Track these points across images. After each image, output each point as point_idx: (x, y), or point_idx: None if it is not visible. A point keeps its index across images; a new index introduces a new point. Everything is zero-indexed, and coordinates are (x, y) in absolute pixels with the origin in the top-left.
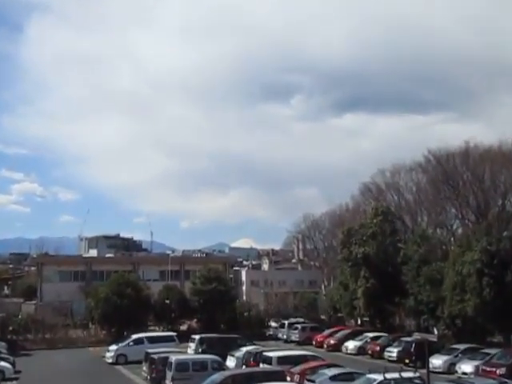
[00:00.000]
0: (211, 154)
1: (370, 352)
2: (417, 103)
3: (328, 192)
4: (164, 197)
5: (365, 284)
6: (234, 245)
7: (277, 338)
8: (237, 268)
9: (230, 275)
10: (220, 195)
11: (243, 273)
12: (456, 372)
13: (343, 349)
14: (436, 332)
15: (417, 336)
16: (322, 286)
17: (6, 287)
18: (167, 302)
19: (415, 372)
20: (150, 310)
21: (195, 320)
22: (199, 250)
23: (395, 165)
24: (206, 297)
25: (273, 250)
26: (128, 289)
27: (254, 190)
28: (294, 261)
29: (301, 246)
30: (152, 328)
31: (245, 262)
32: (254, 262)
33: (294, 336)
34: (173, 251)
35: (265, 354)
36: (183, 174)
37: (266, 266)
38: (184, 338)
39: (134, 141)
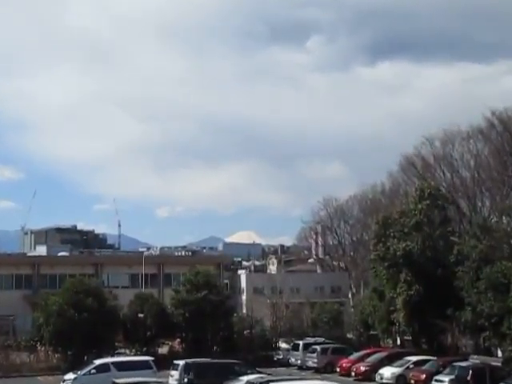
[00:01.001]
0: (199, 117)
1: (412, 381)
2: (475, 47)
3: (357, 168)
4: (135, 176)
5: (406, 291)
6: (229, 239)
7: (288, 364)
8: (234, 270)
9: (224, 280)
10: (210, 174)
11: (243, 277)
12: None
13: (377, 377)
14: (500, 354)
15: (475, 360)
16: (349, 295)
17: None
18: (141, 316)
19: None
20: (118, 327)
21: (178, 340)
22: (183, 247)
23: (447, 131)
24: (193, 309)
25: (282, 246)
26: (89, 299)
27: (256, 167)
28: (311, 261)
29: (320, 241)
30: (121, 351)
31: (245, 263)
32: (257, 263)
33: (312, 361)
34: (148, 248)
35: None
36: (161, 144)
37: (273, 268)
38: (164, 363)
39: (94, 101)
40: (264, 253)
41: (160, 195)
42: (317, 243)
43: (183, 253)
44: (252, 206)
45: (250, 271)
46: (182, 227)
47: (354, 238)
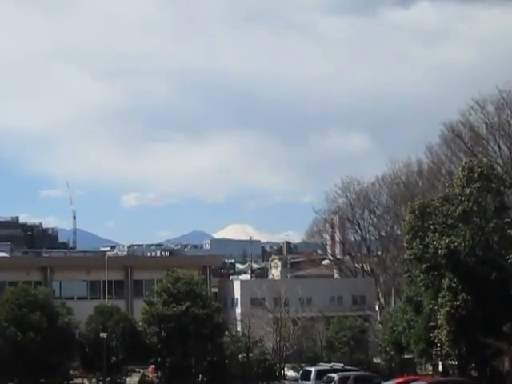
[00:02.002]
0: (178, 75)
1: None
2: None
3: (385, 141)
4: (95, 152)
5: (451, 301)
6: (219, 235)
7: None
8: (226, 275)
9: (213, 289)
10: (194, 149)
11: (237, 284)
12: None
13: None
14: None
15: None
16: (377, 307)
17: None
18: (103, 335)
19: None
20: (73, 351)
21: (153, 367)
22: (158, 246)
23: (503, 92)
24: (172, 326)
25: (288, 244)
26: (35, 314)
27: (253, 141)
28: (325, 263)
29: (338, 237)
30: (78, 382)
31: (239, 266)
32: (255, 266)
33: None
34: (112, 247)
35: None
36: (128, 111)
37: (276, 273)
38: None
39: (36, 51)
40: (264, 253)
41: (127, 177)
42: (333, 240)
43: (158, 253)
44: (248, 192)
45: (245, 276)
46: (156, 219)
47: (383, 233)
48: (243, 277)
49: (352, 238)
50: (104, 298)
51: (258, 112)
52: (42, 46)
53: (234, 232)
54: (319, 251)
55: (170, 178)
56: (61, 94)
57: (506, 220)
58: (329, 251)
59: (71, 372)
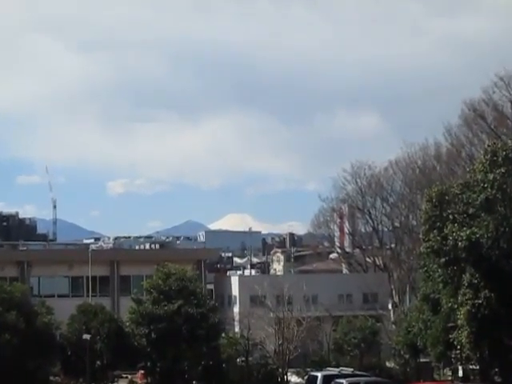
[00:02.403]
0: (167, 47)
1: None
2: None
3: (400, 121)
4: (76, 133)
5: (472, 299)
6: (215, 226)
7: None
8: (222, 271)
9: (208, 285)
10: (186, 131)
11: (235, 280)
12: None
13: None
14: None
15: None
16: (390, 305)
17: None
18: (87, 337)
19: None
20: (54, 354)
21: (142, 372)
22: (148, 238)
23: None
24: (163, 327)
25: (292, 235)
26: (11, 313)
27: (252, 121)
28: (333, 256)
29: (347, 228)
30: None
31: (238, 260)
32: (255, 260)
33: None
34: (96, 239)
35: None
36: (112, 87)
37: (278, 267)
38: None
39: (4, 21)
40: (265, 245)
41: (113, 162)
42: (342, 231)
43: (148, 246)
44: (247, 178)
45: (244, 272)
46: (145, 208)
47: (396, 224)
48: (242, 272)
49: (362, 229)
50: (87, 296)
51: (258, 89)
52: (11, 14)
53: (231, 222)
54: (326, 244)
55: (160, 162)
56: (36, 68)
57: None
58: (337, 244)
59: (51, 378)
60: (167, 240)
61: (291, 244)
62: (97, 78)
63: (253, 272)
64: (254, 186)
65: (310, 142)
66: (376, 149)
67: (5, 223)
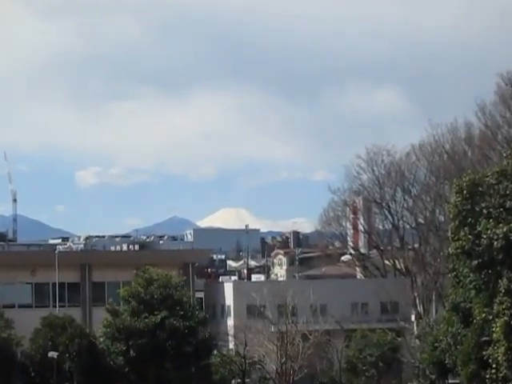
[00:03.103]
0: (149, 10)
1: None
2: None
3: (424, 98)
4: (40, 113)
5: (509, 309)
6: (205, 223)
7: None
8: (214, 276)
9: (197, 294)
10: (172, 109)
11: (228, 287)
12: None
13: None
14: None
15: None
16: (413, 317)
17: None
18: (53, 355)
19: None
20: (14, 375)
21: None
22: (125, 237)
23: None
24: (144, 343)
25: (297, 234)
26: None
27: (249, 97)
28: (344, 259)
29: (362, 225)
30: None
31: (232, 263)
32: (253, 263)
33: None
34: (64, 239)
35: None
36: (84, 58)
37: (281, 272)
38: None
39: None
40: (265, 246)
41: (84, 147)
42: (356, 229)
43: (125, 247)
44: (243, 167)
45: (240, 278)
46: (121, 202)
47: (421, 220)
48: (237, 278)
49: (380, 227)
50: (54, 307)
51: (256, 61)
52: None
53: (224, 219)
54: (337, 244)
55: (140, 147)
56: None
57: None
58: (350, 244)
59: None
60: (148, 240)
61: (296, 244)
62: (64, 49)
63: (252, 278)
64: (251, 176)
65: (317, 123)
66: (396, 130)
67: None
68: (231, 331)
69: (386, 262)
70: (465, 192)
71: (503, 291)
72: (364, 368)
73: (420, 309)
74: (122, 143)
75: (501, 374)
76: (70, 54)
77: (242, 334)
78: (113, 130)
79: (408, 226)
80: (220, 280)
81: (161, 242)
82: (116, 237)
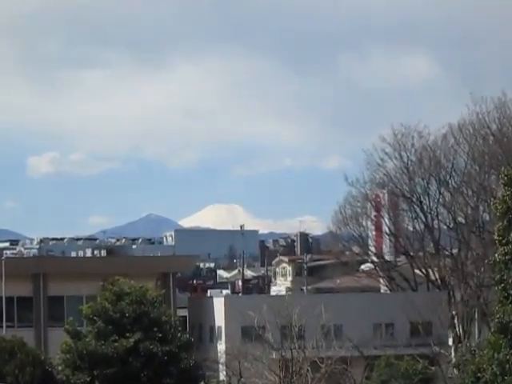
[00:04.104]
0: None
1: None
2: None
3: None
4: None
5: None
6: (189, 222)
7: None
8: (200, 290)
9: (178, 311)
10: (145, 77)
11: (219, 303)
12: None
13: None
14: None
15: None
16: (450, 339)
17: None
18: None
19: None
20: None
21: None
22: (90, 240)
23: None
24: (112, 373)
25: (305, 236)
26: None
27: (245, 63)
28: (364, 267)
29: (387, 225)
30: None
31: (223, 273)
32: (250, 273)
33: None
34: (12, 242)
35: None
36: (33, 12)
37: (285, 283)
38: None
39: None
40: (265, 251)
41: (37, 128)
42: (379, 230)
43: (89, 252)
44: (237, 152)
45: (234, 291)
46: (84, 197)
47: (461, 219)
48: (230, 291)
49: (410, 227)
50: (1, 327)
51: (252, 19)
52: None
53: (213, 218)
54: (355, 249)
55: (106, 128)
56: None
57: None
58: (372, 249)
59: None
60: (118, 243)
61: (303, 249)
62: (13, 4)
63: (246, 291)
64: (246, 164)
65: (330, 95)
66: (429, 107)
67: None
68: (222, 358)
69: (417, 271)
70: None
71: None
72: None
73: (459, 330)
74: (84, 123)
75: None
76: (19, 11)
77: (235, 361)
78: (73, 106)
79: (445, 227)
80: (208, 294)
81: (134, 246)
82: (78, 239)
